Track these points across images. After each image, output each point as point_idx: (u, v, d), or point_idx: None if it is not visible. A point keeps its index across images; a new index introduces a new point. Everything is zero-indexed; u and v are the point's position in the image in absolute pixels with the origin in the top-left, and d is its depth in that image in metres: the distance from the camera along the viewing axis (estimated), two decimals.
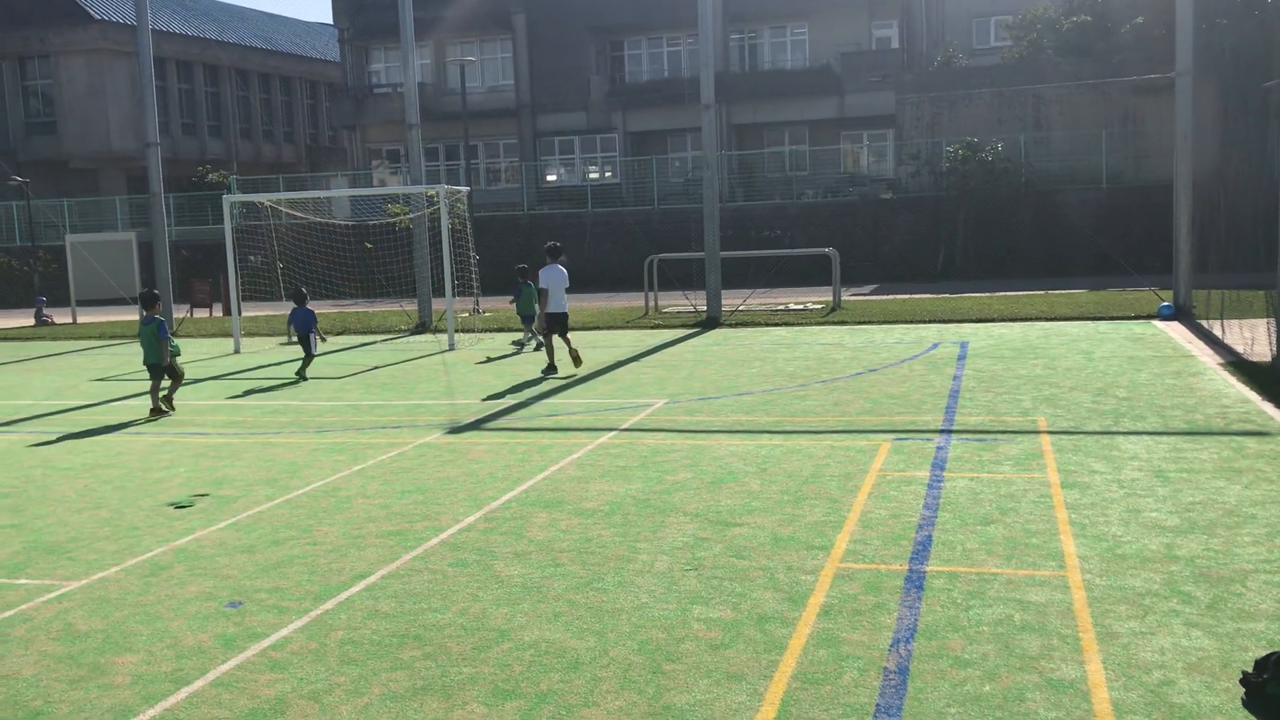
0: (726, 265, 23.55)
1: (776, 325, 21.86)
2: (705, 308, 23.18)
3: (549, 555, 7.33)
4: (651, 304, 25.37)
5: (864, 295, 28.03)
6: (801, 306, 24.63)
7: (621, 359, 17.72)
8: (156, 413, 13.62)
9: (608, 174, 46.54)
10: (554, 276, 15.93)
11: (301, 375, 16.64)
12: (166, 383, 14.00)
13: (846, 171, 42.95)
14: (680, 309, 24.91)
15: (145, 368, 14.03)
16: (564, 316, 16.13)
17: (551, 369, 15.83)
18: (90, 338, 25.75)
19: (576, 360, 16.07)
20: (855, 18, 43.93)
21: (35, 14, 49.25)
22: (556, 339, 16.09)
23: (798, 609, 6.14)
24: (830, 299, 24.64)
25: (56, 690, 5.48)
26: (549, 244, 16.72)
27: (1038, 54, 38.71)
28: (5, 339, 26.50)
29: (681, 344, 19.54)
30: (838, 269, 24.35)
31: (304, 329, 16.80)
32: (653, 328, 22.38)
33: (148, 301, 14.25)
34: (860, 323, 21.44)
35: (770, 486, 8.90)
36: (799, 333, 20.52)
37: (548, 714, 5.00)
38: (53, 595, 6.94)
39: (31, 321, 30.62)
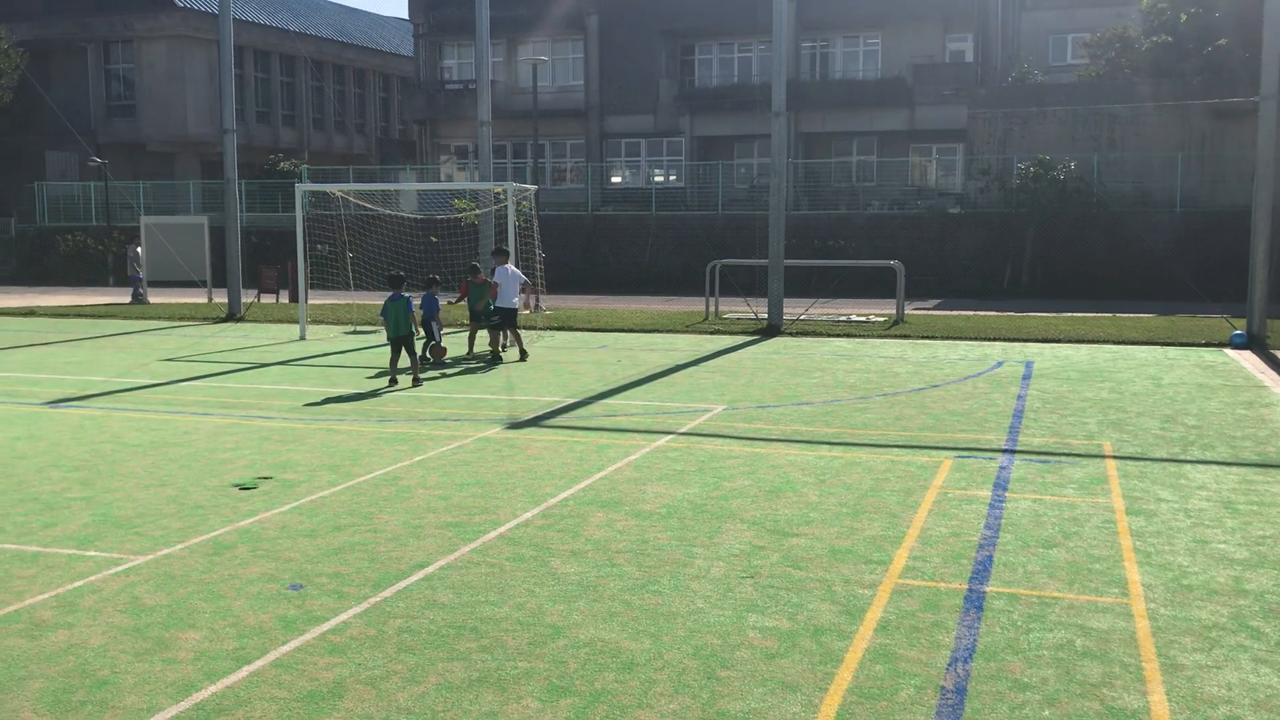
0: (788, 273, 23.44)
1: (838, 336, 21.73)
2: (766, 315, 23.11)
3: (605, 555, 7.35)
4: (712, 309, 25.34)
5: (927, 310, 27.76)
6: (864, 318, 24.46)
7: (680, 363, 17.72)
8: (417, 381, 15.21)
9: (672, 177, 46.57)
10: (506, 276, 18.04)
11: (426, 358, 16.90)
12: (404, 362, 15.38)
13: (914, 184, 42.58)
14: (741, 315, 24.85)
15: (388, 342, 15.46)
16: (512, 312, 18.18)
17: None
18: (160, 318, 26.27)
19: (499, 352, 18.09)
20: (929, 30, 43.57)
21: (122, 0, 50.37)
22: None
23: (855, 623, 6.10)
24: (893, 312, 24.45)
25: (123, 662, 5.60)
26: (497, 247, 19.54)
27: (1115, 73, 38.10)
28: (86, 315, 27.10)
29: (741, 350, 19.49)
30: (902, 282, 24.16)
31: (429, 313, 17.15)
32: (712, 333, 22.34)
33: (395, 282, 15.69)
34: (923, 337, 21.25)
35: (829, 498, 8.86)
36: (860, 344, 20.39)
37: (601, 713, 5.02)
38: (120, 569, 7.09)
39: (128, 299, 31.18)
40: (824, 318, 24.35)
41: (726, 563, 7.18)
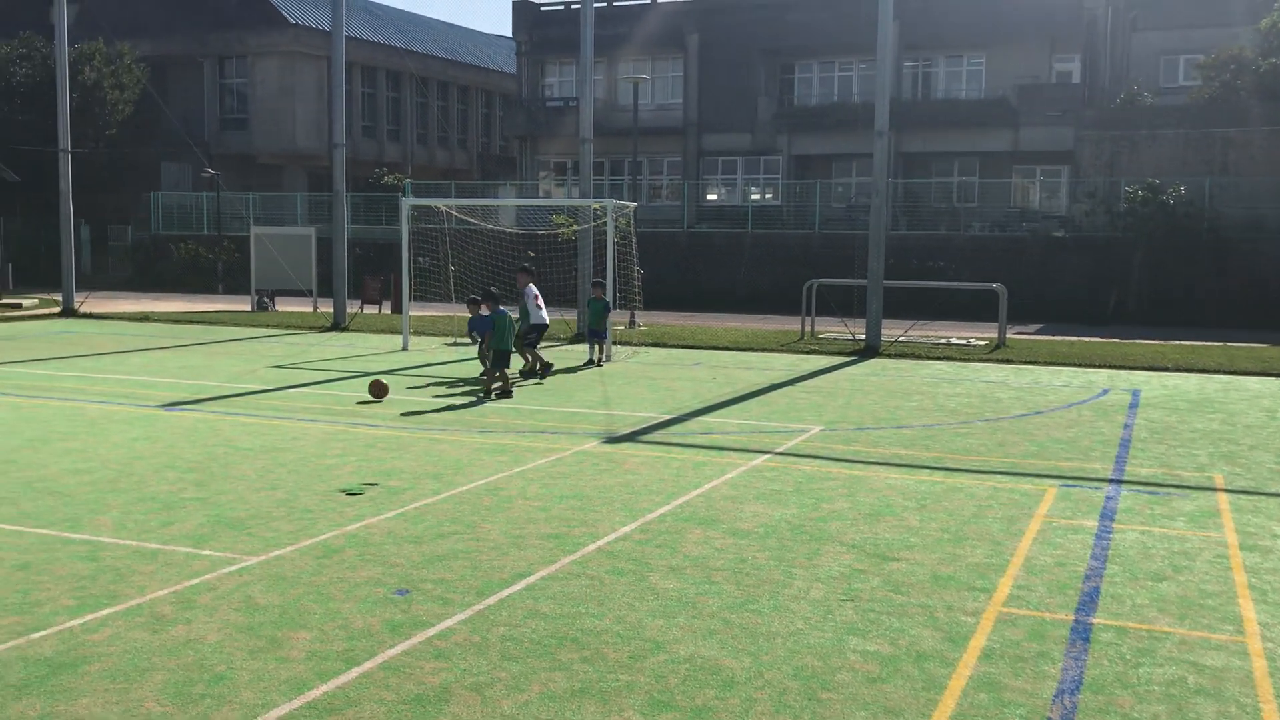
0: (887, 294, 23.20)
1: (937, 359, 21.45)
2: (864, 336, 22.91)
3: (704, 572, 7.37)
4: (808, 328, 25.21)
5: (1029, 334, 27.24)
6: (964, 342, 24.10)
7: (776, 382, 17.66)
8: (529, 373, 16.49)
9: (769, 195, 46.48)
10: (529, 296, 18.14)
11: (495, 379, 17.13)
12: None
13: (1016, 206, 41.83)
14: (838, 335, 24.67)
15: (492, 351, 15.61)
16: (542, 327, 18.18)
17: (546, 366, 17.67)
18: (268, 326, 27.03)
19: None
20: (1035, 50, 42.85)
21: (237, 17, 52.07)
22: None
23: (958, 650, 6.04)
24: (994, 336, 24.05)
25: (238, 658, 5.79)
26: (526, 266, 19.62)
27: (1230, 95, 36.99)
28: (197, 321, 28.02)
29: (838, 371, 19.36)
30: (1004, 305, 23.75)
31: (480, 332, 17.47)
32: (808, 352, 22.22)
33: (493, 298, 16.08)
34: (1026, 362, 20.86)
35: (930, 523, 8.76)
36: (961, 368, 20.10)
37: None
38: (234, 568, 7.33)
39: (249, 307, 32.08)
40: (923, 340, 24.05)
41: (826, 584, 7.15)
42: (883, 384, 17.61)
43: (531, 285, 18.32)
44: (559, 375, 18.13)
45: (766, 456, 11.38)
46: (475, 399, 15.17)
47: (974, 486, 10.14)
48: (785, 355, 21.92)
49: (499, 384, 15.49)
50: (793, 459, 11.31)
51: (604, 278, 21.02)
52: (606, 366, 19.52)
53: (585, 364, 19.73)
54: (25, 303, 32.10)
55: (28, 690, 5.36)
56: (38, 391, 15.31)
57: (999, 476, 10.61)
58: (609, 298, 20.48)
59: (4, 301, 31.98)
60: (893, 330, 23.97)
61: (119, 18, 47.77)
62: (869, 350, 22.26)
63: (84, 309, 30.16)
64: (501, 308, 15.87)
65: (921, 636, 6.23)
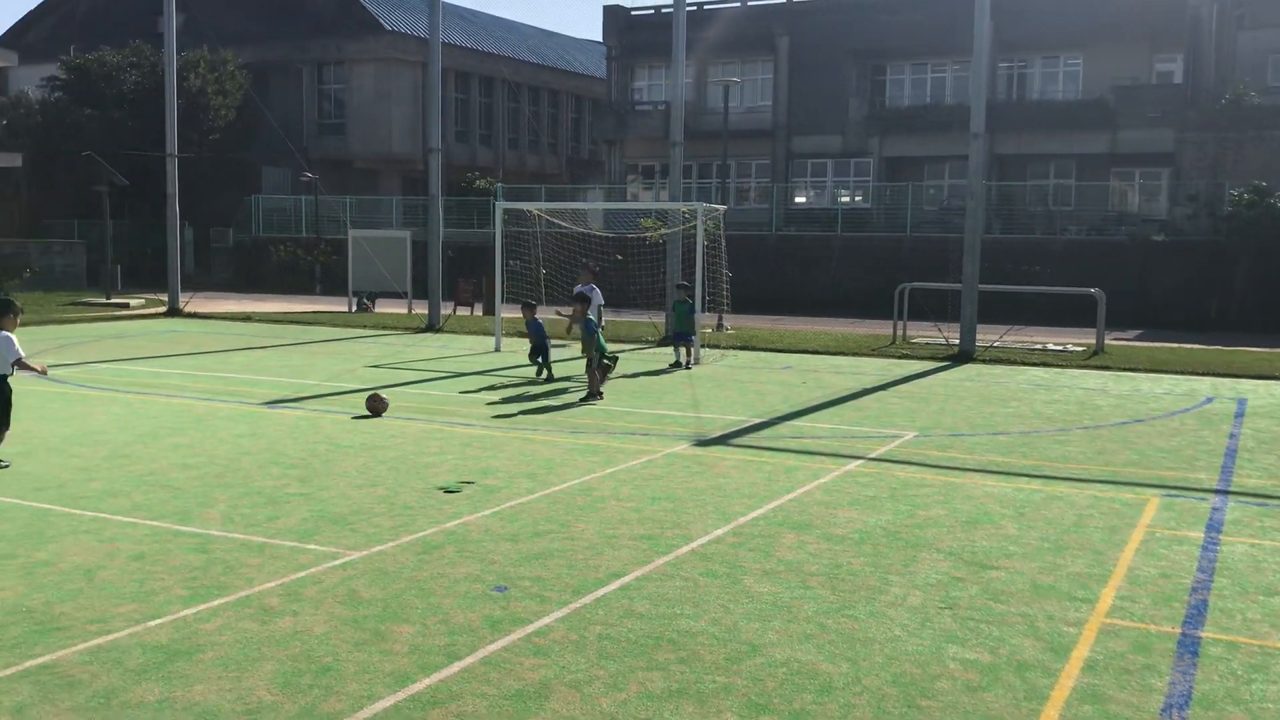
0: (981, 299, 22.82)
1: (1034, 365, 21.05)
2: (958, 341, 22.58)
3: (798, 577, 7.36)
4: (900, 333, 24.92)
5: (1128, 340, 26.58)
6: (1061, 347, 23.61)
7: (868, 386, 17.51)
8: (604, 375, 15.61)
9: (858, 198, 46.06)
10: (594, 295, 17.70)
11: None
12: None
13: (1114, 209, 40.84)
14: (930, 340, 24.35)
15: (596, 353, 15.38)
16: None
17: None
18: (364, 327, 27.59)
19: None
20: (1135, 50, 41.79)
21: (335, 24, 53.29)
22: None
23: (1060, 660, 5.94)
24: (1092, 342, 23.53)
25: (344, 650, 5.94)
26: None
27: None
28: (297, 321, 28.70)
29: (931, 376, 19.12)
30: (1103, 310, 23.22)
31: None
32: (901, 357, 21.98)
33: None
34: (1125, 369, 20.37)
35: (1029, 532, 8.62)
36: (1058, 374, 19.70)
37: None
38: (338, 562, 7.51)
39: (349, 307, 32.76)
40: (1018, 345, 23.63)
41: (924, 591, 7.09)
42: (978, 390, 17.34)
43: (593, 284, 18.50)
44: (647, 378, 18.19)
45: (860, 462, 11.30)
46: (579, 400, 15.28)
47: (1073, 495, 9.95)
48: (877, 359, 21.72)
49: (598, 386, 15.51)
50: (887, 464, 11.21)
51: (690, 281, 21.04)
52: (695, 369, 19.54)
53: (671, 366, 19.76)
54: (133, 302, 33.21)
55: (146, 675, 5.57)
56: (146, 388, 15.85)
57: (1099, 485, 10.39)
58: (696, 300, 20.50)
59: (113, 301, 33.14)
60: (987, 335, 23.58)
61: (223, 26, 49.15)
62: (963, 355, 21.94)
63: (188, 309, 31.11)
64: (591, 317, 15.88)
65: (1022, 646, 6.15)
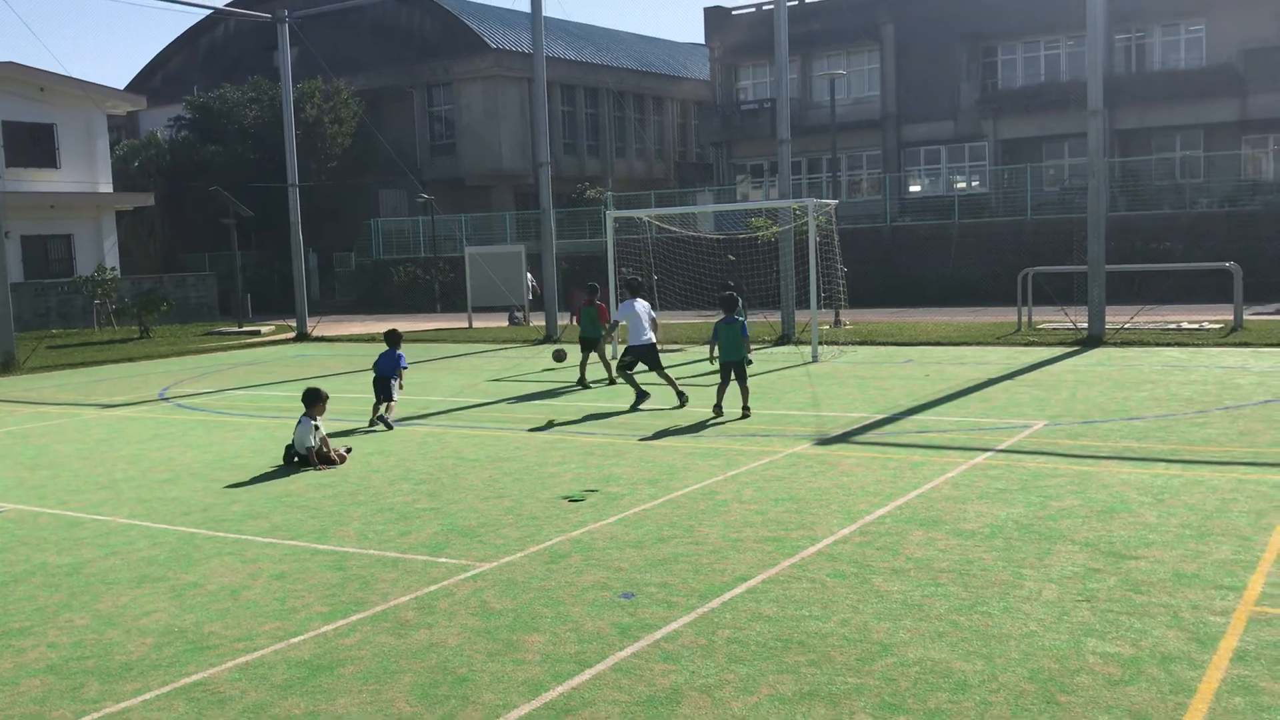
0: (1109, 279, 22.09)
1: (1168, 345, 20.30)
2: (1086, 325, 21.91)
3: (928, 574, 7.24)
4: (1025, 319, 24.29)
5: (1269, 315, 25.43)
6: (1196, 326, 22.71)
7: (993, 376, 17.12)
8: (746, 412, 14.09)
9: (975, 183, 45.07)
10: (629, 311, 15.77)
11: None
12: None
13: (1248, 179, 39.14)
14: (1057, 325, 23.68)
15: (721, 366, 14.33)
16: (645, 349, 15.45)
17: (642, 396, 15.33)
18: (485, 341, 28.10)
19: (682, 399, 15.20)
20: (1263, 11, 39.93)
21: (441, 46, 54.40)
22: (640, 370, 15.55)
23: (1207, 651, 5.72)
24: (1230, 318, 22.57)
25: (478, 661, 6.07)
26: (630, 278, 17.65)
27: None
28: (420, 340, 29.40)
29: (1059, 363, 18.59)
30: (1239, 285, 22.26)
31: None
32: (1026, 344, 21.43)
33: (729, 304, 14.36)
34: (1267, 345, 19.49)
35: (1169, 519, 8.32)
36: (1194, 354, 18.96)
37: None
38: (468, 574, 7.67)
39: (504, 322, 33.40)
40: (1150, 326, 22.82)
41: (1059, 585, 6.90)
42: (1109, 374, 16.80)
43: (638, 300, 16.04)
44: (765, 377, 18.08)
45: (988, 454, 11.06)
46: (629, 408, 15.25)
47: (1215, 479, 9.56)
48: (1001, 348, 21.22)
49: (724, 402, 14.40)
50: (1016, 456, 10.94)
51: (799, 277, 20.80)
52: (814, 366, 19.38)
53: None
54: (263, 329, 34.46)
55: (291, 690, 5.77)
56: (280, 412, 16.42)
57: (1243, 468, 9.97)
58: (813, 297, 20.24)
59: (245, 329, 34.44)
60: (1117, 317, 22.83)
61: (335, 56, 50.64)
62: (1092, 339, 21.28)
63: (316, 333, 32.12)
64: (736, 316, 14.36)
65: (1166, 638, 5.94)
